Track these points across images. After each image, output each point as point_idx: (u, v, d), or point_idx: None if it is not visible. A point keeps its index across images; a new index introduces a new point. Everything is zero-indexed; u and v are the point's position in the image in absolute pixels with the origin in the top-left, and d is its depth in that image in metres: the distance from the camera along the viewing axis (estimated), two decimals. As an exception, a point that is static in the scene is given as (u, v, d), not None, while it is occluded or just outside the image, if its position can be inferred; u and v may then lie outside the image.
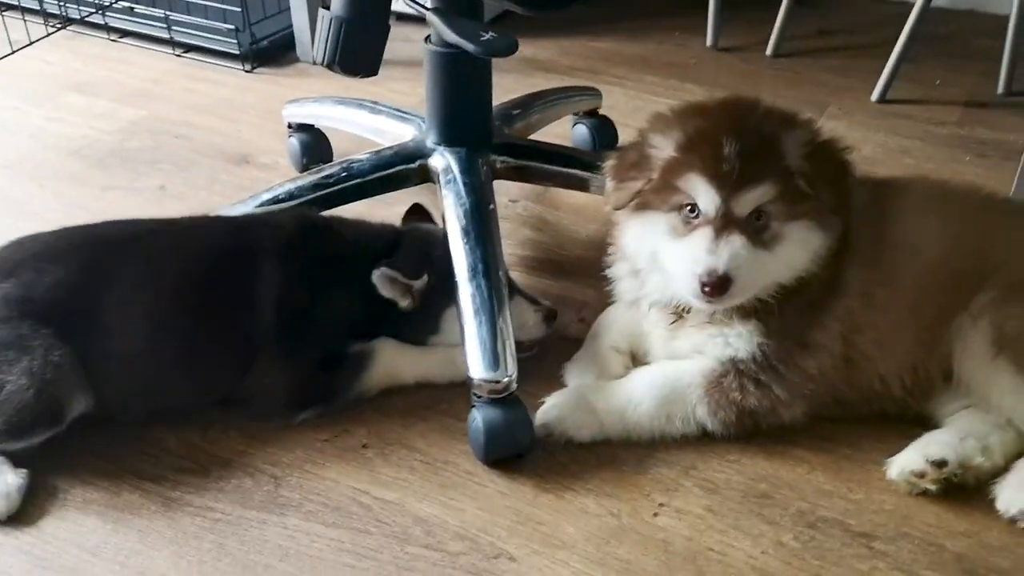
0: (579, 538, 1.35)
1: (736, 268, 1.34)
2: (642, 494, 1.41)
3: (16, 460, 1.41)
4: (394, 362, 1.56)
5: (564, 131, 2.23)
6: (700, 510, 1.39)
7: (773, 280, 1.41)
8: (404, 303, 1.54)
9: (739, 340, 1.44)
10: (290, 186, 1.77)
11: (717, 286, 1.34)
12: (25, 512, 1.38)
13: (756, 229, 1.37)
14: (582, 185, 1.86)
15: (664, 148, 1.40)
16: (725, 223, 1.35)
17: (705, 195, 1.36)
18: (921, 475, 1.38)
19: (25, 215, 2.00)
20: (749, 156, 1.35)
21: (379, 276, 1.51)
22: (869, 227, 1.47)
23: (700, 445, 1.47)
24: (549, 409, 1.48)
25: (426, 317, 1.56)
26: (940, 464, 1.37)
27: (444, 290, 1.54)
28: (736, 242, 1.35)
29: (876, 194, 1.51)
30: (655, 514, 1.38)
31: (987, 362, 1.41)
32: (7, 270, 1.46)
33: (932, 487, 1.38)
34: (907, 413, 1.48)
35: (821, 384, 1.46)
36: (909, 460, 1.40)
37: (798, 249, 1.40)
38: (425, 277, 1.54)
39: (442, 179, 1.70)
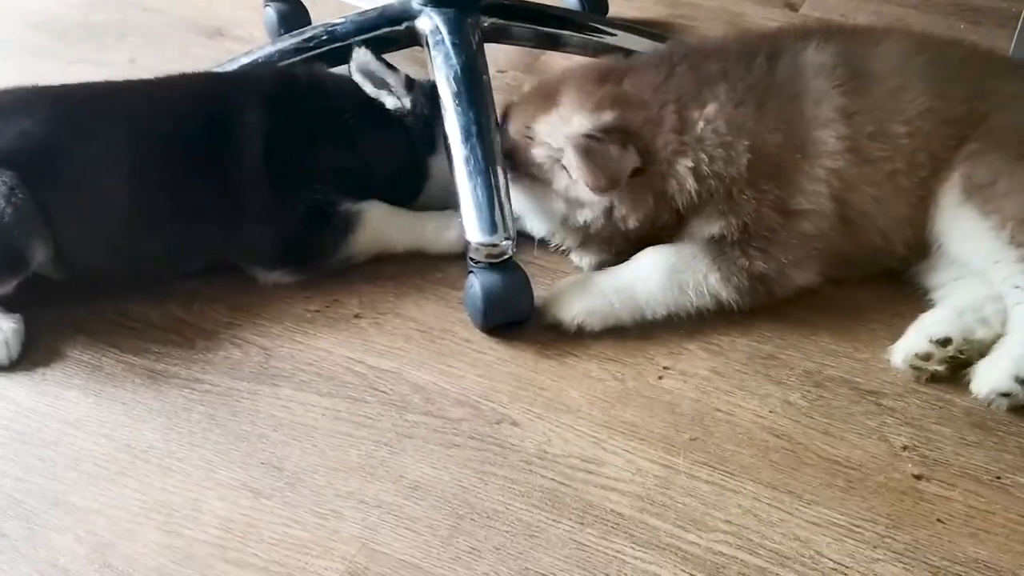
0: (583, 402, 1.31)
1: None
2: (646, 358, 1.37)
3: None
4: (384, 225, 1.49)
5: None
6: (706, 372, 1.35)
7: None
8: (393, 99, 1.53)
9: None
10: (270, 49, 1.69)
11: None
12: (2, 387, 1.33)
13: None
14: (575, 48, 1.78)
15: None
16: None
17: None
18: (927, 357, 1.33)
19: (-12, 90, 1.90)
20: None
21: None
22: (841, 82, 1.40)
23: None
24: (555, 300, 1.42)
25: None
26: (944, 342, 1.33)
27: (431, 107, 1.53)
28: None
29: (846, 47, 1.43)
30: (660, 377, 1.35)
31: (954, 209, 1.37)
32: None
33: (940, 367, 1.33)
34: (911, 271, 1.46)
35: (825, 243, 1.42)
36: (912, 343, 1.35)
37: None
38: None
39: (430, 41, 1.61)
